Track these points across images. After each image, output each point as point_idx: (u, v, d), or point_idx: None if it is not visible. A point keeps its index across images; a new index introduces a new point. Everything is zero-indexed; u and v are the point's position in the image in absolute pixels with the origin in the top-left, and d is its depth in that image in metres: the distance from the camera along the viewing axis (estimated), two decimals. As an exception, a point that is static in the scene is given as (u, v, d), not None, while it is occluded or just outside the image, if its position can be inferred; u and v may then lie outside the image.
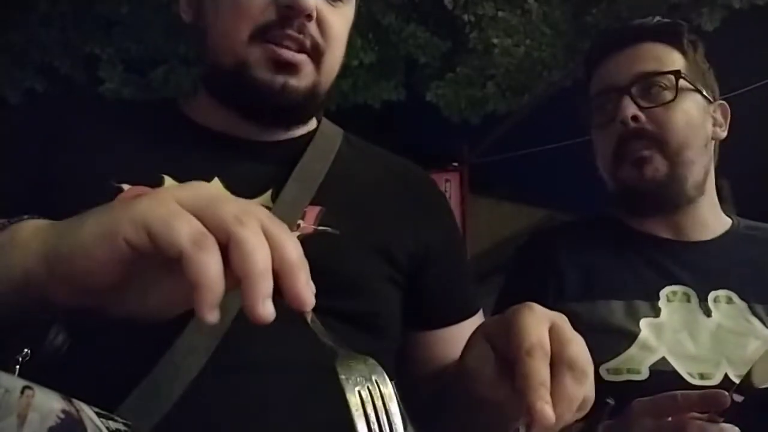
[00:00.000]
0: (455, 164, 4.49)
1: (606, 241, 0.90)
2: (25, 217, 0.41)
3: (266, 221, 0.36)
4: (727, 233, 0.90)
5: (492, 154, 5.10)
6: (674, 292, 0.82)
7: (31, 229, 0.40)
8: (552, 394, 0.41)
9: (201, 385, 0.49)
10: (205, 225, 0.34)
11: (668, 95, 0.85)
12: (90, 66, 3.84)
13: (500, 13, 3.69)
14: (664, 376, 0.74)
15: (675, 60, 0.88)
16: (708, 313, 0.80)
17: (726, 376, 0.74)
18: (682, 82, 0.85)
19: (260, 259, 0.34)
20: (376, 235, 0.64)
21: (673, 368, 0.74)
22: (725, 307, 0.81)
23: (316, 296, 0.56)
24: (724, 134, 0.92)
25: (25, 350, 0.38)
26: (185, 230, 0.33)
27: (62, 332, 0.42)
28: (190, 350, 0.49)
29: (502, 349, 0.45)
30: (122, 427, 0.38)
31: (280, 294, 0.35)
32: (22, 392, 0.31)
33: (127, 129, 0.63)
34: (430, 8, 3.76)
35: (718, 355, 0.76)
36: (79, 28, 3.74)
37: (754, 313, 0.80)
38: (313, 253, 0.59)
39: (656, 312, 0.80)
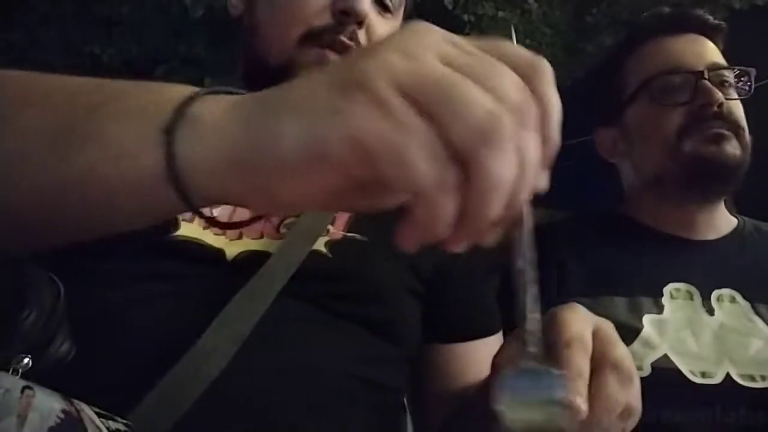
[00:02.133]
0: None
1: (610, 237, 0.90)
2: (203, 90, 0.31)
3: (518, 121, 0.24)
4: (732, 233, 0.90)
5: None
6: (677, 290, 0.82)
7: (212, 115, 0.30)
8: (591, 392, 0.38)
9: (219, 389, 0.47)
10: (440, 135, 0.24)
11: (739, 92, 0.86)
12: (90, 66, 3.85)
13: (500, 13, 3.70)
14: (665, 374, 0.74)
15: (723, 61, 0.89)
16: (711, 311, 0.80)
17: (728, 375, 0.74)
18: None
19: (499, 202, 0.25)
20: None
21: (675, 366, 0.74)
22: (728, 306, 0.81)
23: (340, 301, 0.56)
24: None
25: (26, 360, 0.37)
26: (425, 163, 0.24)
27: (68, 340, 0.41)
28: (211, 353, 0.48)
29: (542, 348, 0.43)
30: (122, 427, 0.38)
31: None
32: (22, 392, 0.31)
33: None
34: (430, 8, 3.76)
35: (720, 353, 0.76)
36: (79, 28, 3.74)
37: (758, 313, 0.80)
38: (341, 259, 0.58)
39: (659, 309, 0.80)
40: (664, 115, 0.86)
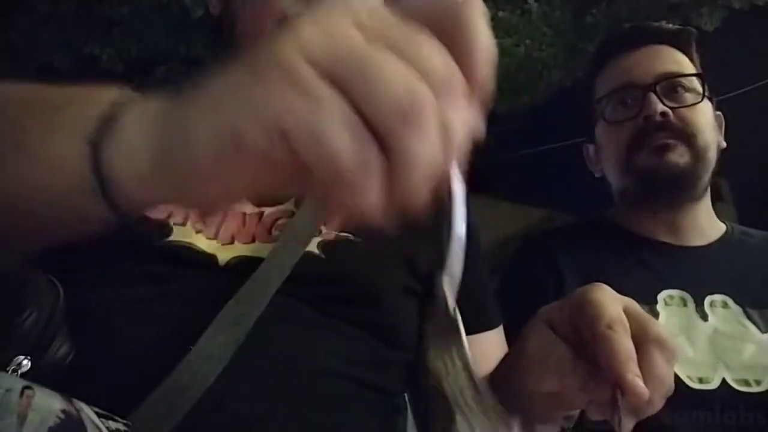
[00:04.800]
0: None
1: (604, 244, 0.91)
2: (130, 95, 0.30)
3: (443, 95, 0.23)
4: (721, 239, 0.91)
5: (492, 154, 5.10)
6: (671, 296, 0.82)
7: (134, 124, 0.29)
8: (641, 374, 0.37)
9: (216, 394, 0.47)
10: (359, 113, 0.22)
11: (693, 97, 0.86)
12: (90, 66, 3.85)
13: (500, 13, 3.70)
14: None
15: (688, 66, 0.89)
16: (704, 317, 0.81)
17: (724, 380, 0.74)
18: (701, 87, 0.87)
19: (423, 177, 0.23)
20: (398, 244, 0.63)
21: (674, 372, 0.75)
22: (721, 311, 0.81)
23: (336, 303, 0.56)
24: (724, 144, 0.94)
25: (25, 362, 0.37)
26: (345, 143, 0.22)
27: (66, 342, 0.41)
28: (207, 358, 0.47)
29: (569, 331, 0.42)
30: (122, 427, 0.38)
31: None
32: (22, 392, 0.31)
33: None
34: (430, 8, 3.76)
35: (715, 359, 0.76)
36: (79, 28, 3.74)
37: (749, 318, 0.80)
38: (334, 260, 0.57)
39: (654, 316, 0.80)
40: (616, 131, 0.89)
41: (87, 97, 0.32)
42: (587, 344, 0.40)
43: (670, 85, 0.86)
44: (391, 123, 0.22)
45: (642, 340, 0.39)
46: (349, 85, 0.22)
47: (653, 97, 0.85)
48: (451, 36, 0.24)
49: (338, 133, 0.22)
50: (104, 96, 0.31)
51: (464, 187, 0.28)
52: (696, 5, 3.33)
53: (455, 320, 0.33)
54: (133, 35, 3.78)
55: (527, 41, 3.73)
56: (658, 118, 0.83)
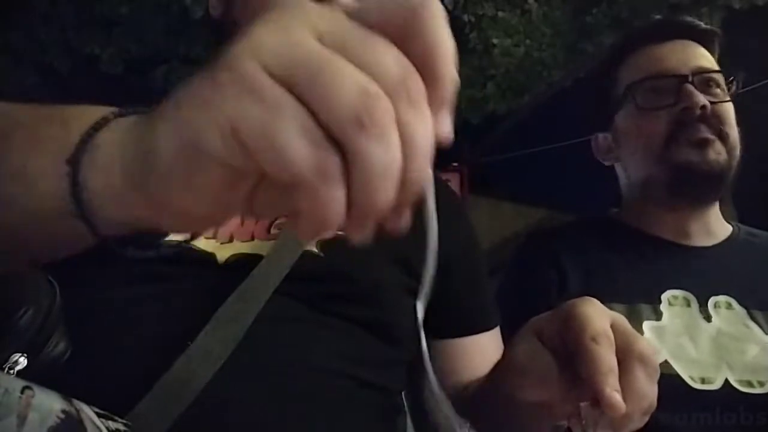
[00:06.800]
0: (455, 164, 4.49)
1: (608, 242, 0.90)
2: (111, 114, 0.30)
3: (400, 97, 0.23)
4: (727, 240, 0.90)
5: (492, 154, 5.10)
6: (675, 297, 0.82)
7: (108, 142, 0.29)
8: (621, 387, 0.37)
9: (214, 391, 0.47)
10: (316, 120, 0.22)
11: (723, 94, 0.86)
12: (90, 66, 3.85)
13: (500, 13, 3.70)
14: (667, 380, 0.73)
15: (715, 64, 0.89)
16: (708, 318, 0.80)
17: (726, 381, 0.74)
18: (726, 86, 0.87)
19: (386, 187, 0.22)
20: (396, 243, 0.63)
21: (676, 372, 0.74)
22: (725, 312, 0.81)
23: (334, 301, 0.56)
24: None
25: (21, 359, 0.37)
26: (301, 149, 0.22)
27: (63, 341, 0.41)
28: (205, 355, 0.47)
29: (557, 342, 0.42)
30: (122, 427, 0.38)
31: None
32: (22, 392, 0.31)
33: None
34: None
35: (719, 359, 0.76)
36: (79, 28, 3.74)
37: (753, 319, 0.80)
38: (332, 258, 0.57)
39: (658, 316, 0.80)
40: (649, 119, 0.86)
41: (68, 117, 0.32)
42: (572, 356, 0.40)
43: (705, 80, 0.85)
44: (346, 129, 0.22)
45: (626, 355, 0.40)
46: (304, 91, 0.22)
47: (691, 88, 0.83)
48: (410, 38, 0.24)
49: (293, 137, 0.22)
50: (85, 115, 0.31)
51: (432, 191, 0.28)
52: (696, 5, 3.34)
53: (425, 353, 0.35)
54: (133, 35, 3.78)
55: (527, 41, 3.73)
56: (698, 111, 0.82)
